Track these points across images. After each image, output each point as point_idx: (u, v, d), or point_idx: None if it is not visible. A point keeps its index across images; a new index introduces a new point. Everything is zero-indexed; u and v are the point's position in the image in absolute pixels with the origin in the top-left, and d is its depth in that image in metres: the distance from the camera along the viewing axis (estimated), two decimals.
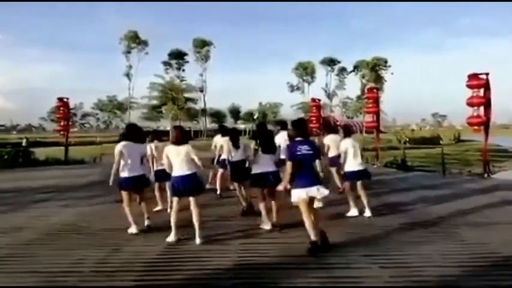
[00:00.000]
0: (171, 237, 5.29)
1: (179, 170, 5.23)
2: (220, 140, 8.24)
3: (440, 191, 9.00)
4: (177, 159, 5.23)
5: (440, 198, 8.11)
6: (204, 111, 62.16)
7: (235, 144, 7.03)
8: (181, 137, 5.37)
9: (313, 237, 4.72)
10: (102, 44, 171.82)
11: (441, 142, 37.16)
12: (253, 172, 5.98)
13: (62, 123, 19.45)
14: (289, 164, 4.82)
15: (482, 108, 12.05)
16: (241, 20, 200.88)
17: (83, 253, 4.83)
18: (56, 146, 30.41)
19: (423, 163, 17.82)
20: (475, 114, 12.15)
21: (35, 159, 18.66)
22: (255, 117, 77.57)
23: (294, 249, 4.85)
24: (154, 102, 56.15)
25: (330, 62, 68.00)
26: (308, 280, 3.90)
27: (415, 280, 3.86)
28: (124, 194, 5.84)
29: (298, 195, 4.77)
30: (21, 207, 7.81)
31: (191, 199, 5.32)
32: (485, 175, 12.01)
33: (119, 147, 5.77)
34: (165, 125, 65.75)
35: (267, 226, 5.81)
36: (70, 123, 19.28)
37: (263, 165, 5.88)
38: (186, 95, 55.42)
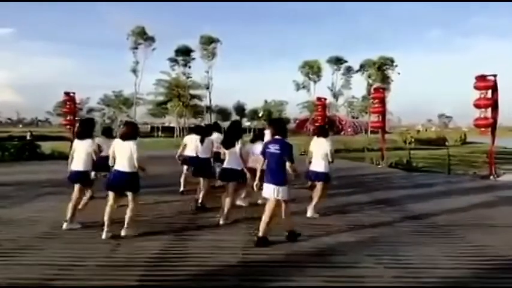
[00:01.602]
0: (104, 234, 5.20)
1: (120, 165, 5.26)
2: (187, 139, 8.46)
3: (445, 192, 8.97)
4: (120, 155, 5.27)
5: (445, 199, 8.09)
6: (209, 109, 62.15)
7: (202, 140, 7.16)
8: (129, 132, 5.35)
9: (260, 234, 4.93)
10: (110, 40, 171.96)
11: (447, 143, 36.97)
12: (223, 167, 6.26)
13: (68, 118, 19.58)
14: (261, 161, 5.21)
15: (489, 110, 11.99)
16: (248, 18, 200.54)
17: (88, 247, 4.87)
18: (61, 141, 30.61)
19: (428, 164, 17.74)
20: (482, 116, 12.10)
21: (41, 153, 18.81)
22: (260, 115, 77.57)
23: (298, 248, 4.87)
24: (160, 98, 56.31)
25: (337, 61, 67.60)
26: (312, 279, 3.91)
27: (418, 281, 3.86)
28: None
29: (264, 190, 5.01)
30: (28, 201, 7.87)
31: (128, 194, 5.35)
32: (491, 177, 11.95)
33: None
34: (171, 121, 66.02)
35: (221, 221, 5.98)
36: (76, 117, 19.35)
37: (229, 161, 6.15)
38: (192, 91, 55.49)
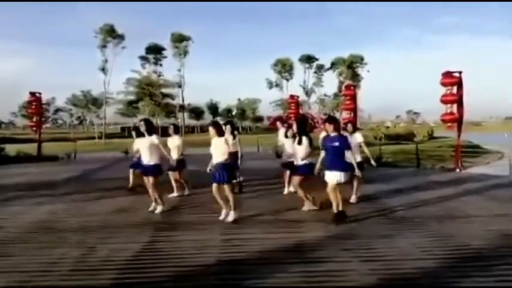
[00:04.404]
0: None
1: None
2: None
3: (415, 186, 9.24)
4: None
5: (415, 192, 8.34)
6: (182, 107, 61.48)
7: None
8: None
9: (335, 210, 5.96)
10: (77, 38, 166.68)
11: (415, 139, 38.09)
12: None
13: (34, 119, 18.92)
14: None
15: (455, 106, 12.45)
16: (221, 16, 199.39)
17: (60, 251, 4.72)
18: (27, 143, 29.50)
19: (398, 159, 18.24)
20: (449, 111, 12.54)
21: (5, 156, 18.03)
22: (233, 113, 77.51)
23: (274, 244, 4.90)
24: (131, 97, 55.19)
25: (308, 59, 68.49)
26: (289, 275, 3.94)
27: (393, 273, 3.96)
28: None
29: (328, 176, 6.00)
30: None
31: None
32: (458, 170, 12.42)
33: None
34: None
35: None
36: (43, 118, 18.70)
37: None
38: (164, 90, 54.79)
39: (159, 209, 6.75)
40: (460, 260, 4.31)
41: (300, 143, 6.69)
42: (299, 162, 6.76)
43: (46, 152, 19.58)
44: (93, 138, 56.51)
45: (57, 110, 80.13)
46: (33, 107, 18.69)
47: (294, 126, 7.15)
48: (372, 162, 7.78)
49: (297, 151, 6.79)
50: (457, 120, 12.59)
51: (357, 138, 7.48)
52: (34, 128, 18.97)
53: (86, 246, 4.89)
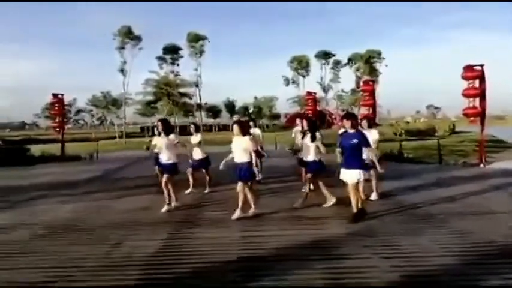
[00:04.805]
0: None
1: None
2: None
3: (436, 182, 9.09)
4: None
5: (437, 189, 8.20)
6: (199, 106, 61.88)
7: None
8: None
9: (354, 210, 5.79)
10: (95, 40, 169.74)
11: (436, 134, 37.39)
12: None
13: (57, 120, 19.37)
14: None
15: (477, 100, 12.16)
16: (236, 15, 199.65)
17: (85, 248, 4.85)
18: (50, 143, 30.27)
19: (419, 155, 17.92)
20: (471, 105, 12.26)
21: (30, 156, 18.53)
22: (250, 111, 77.53)
23: (294, 241, 4.91)
24: (149, 98, 55.85)
25: (324, 55, 67.80)
26: (310, 271, 3.94)
27: (415, 269, 3.92)
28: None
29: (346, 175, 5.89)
30: (20, 205, 7.80)
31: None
32: (481, 165, 12.13)
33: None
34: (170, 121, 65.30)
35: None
36: (65, 119, 19.13)
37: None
38: (181, 90, 55.11)
39: (172, 205, 6.87)
40: (483, 256, 4.24)
41: (313, 139, 6.66)
42: (308, 159, 6.73)
43: (69, 152, 20.04)
44: (114, 138, 57.53)
45: (79, 111, 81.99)
46: (56, 108, 19.11)
47: (305, 124, 7.09)
48: (378, 167, 6.12)
49: (307, 148, 6.76)
50: (480, 114, 12.29)
51: (373, 134, 7.24)
52: (57, 129, 19.41)
53: (110, 243, 5.01)
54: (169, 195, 6.88)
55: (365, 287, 3.58)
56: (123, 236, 5.36)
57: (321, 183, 6.80)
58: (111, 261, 4.38)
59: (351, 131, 5.78)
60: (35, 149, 20.37)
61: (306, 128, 6.96)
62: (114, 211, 6.99)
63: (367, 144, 5.78)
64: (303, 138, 6.97)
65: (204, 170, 8.48)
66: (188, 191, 8.30)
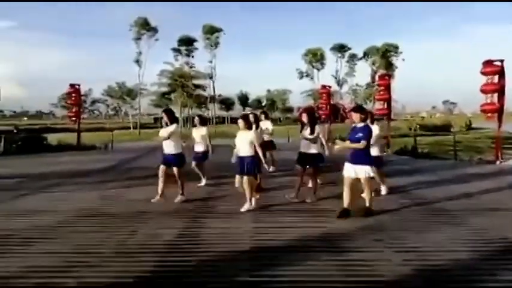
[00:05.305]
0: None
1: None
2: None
3: (451, 178, 9.00)
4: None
5: (451, 185, 8.13)
6: (212, 98, 62.09)
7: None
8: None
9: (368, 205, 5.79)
10: (112, 31, 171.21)
11: (452, 129, 36.81)
12: None
13: (73, 110, 19.69)
14: None
15: (496, 95, 11.93)
16: (252, 7, 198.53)
17: (102, 235, 4.98)
18: (66, 132, 30.81)
19: (434, 150, 17.71)
20: (489, 101, 12.04)
21: (48, 145, 18.94)
22: (263, 104, 77.40)
23: (305, 233, 4.96)
24: (164, 89, 56.25)
25: (340, 49, 67.01)
26: (322, 263, 3.99)
27: (427, 264, 3.93)
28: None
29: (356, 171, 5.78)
30: (38, 192, 8.00)
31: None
32: (498, 162, 11.94)
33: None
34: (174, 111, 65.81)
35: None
36: (81, 109, 19.45)
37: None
38: (195, 81, 55.33)
39: (179, 198, 6.91)
40: (497, 252, 4.23)
41: (312, 132, 6.64)
42: (309, 151, 6.72)
43: (84, 142, 20.39)
44: (128, 128, 58.24)
45: (94, 101, 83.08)
46: (73, 98, 19.44)
47: (304, 117, 6.90)
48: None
49: (307, 141, 6.73)
50: (498, 110, 12.07)
51: (374, 130, 6.83)
52: (73, 118, 19.75)
53: (126, 232, 5.13)
54: (182, 186, 6.98)
55: (377, 280, 3.61)
56: (138, 224, 5.48)
57: (318, 180, 6.81)
58: (127, 248, 4.50)
59: (360, 124, 5.69)
60: (52, 138, 20.77)
61: (305, 121, 6.84)
62: (129, 200, 7.13)
63: (363, 139, 5.52)
64: (301, 131, 6.91)
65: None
66: (202, 183, 8.41)
